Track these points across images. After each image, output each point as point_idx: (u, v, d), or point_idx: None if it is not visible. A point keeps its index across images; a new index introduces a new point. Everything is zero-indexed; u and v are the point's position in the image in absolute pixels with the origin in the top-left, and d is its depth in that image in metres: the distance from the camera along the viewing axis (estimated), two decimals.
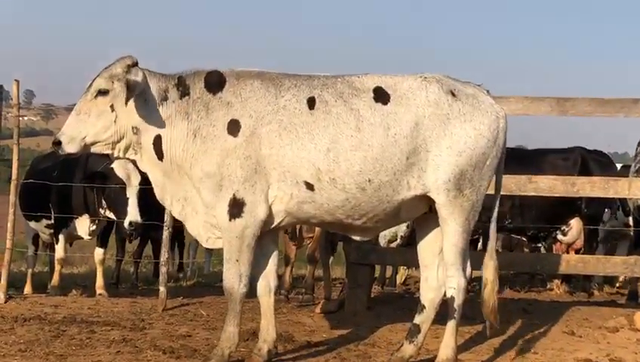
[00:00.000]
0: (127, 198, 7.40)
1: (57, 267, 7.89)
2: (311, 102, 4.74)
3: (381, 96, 4.78)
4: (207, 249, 13.10)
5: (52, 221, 7.80)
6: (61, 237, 7.79)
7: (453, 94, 4.85)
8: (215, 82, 4.83)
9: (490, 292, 5.05)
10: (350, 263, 6.95)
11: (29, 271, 8.64)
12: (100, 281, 7.77)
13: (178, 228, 7.88)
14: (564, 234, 8.88)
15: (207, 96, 4.79)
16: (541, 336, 6.04)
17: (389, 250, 7.61)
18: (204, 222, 4.88)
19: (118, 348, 5.19)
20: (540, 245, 9.18)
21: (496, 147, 4.91)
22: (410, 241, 9.35)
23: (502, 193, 6.81)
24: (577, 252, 8.70)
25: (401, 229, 9.26)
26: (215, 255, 13.91)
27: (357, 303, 6.79)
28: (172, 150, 4.79)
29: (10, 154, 7.68)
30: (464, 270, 4.93)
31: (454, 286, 4.89)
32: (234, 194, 4.69)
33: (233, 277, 4.79)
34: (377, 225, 5.01)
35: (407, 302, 7.14)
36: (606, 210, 9.08)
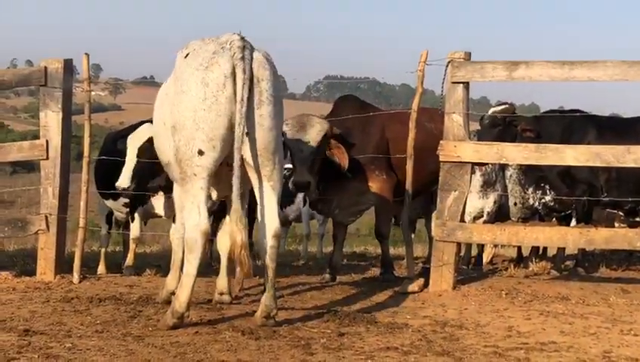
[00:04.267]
0: None
1: (132, 246, 8.04)
2: None
3: None
4: (281, 226, 13.22)
5: (129, 199, 7.92)
6: (137, 215, 7.92)
7: None
8: None
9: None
10: (435, 241, 6.91)
11: (103, 250, 8.84)
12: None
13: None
14: None
15: None
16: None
17: (475, 227, 7.53)
18: None
19: (196, 328, 5.27)
20: (638, 219, 8.96)
21: None
22: (497, 218, 9.30)
23: (598, 164, 6.75)
24: None
25: (488, 205, 9.20)
26: (290, 235, 14.06)
27: (442, 283, 6.75)
28: None
29: (79, 130, 7.83)
30: None
31: None
32: None
33: None
34: None
35: (494, 282, 7.08)
36: None
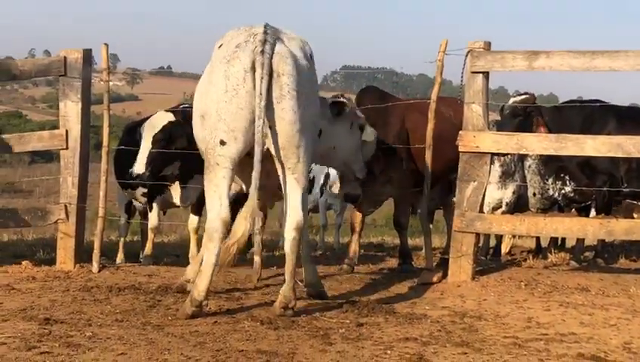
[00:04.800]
0: None
1: (150, 236, 8.07)
2: None
3: None
4: None
5: (146, 189, 7.95)
6: (155, 205, 7.95)
7: None
8: None
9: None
10: (453, 231, 6.91)
11: (122, 239, 8.88)
12: (193, 250, 7.94)
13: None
14: None
15: None
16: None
17: (494, 218, 7.52)
18: None
19: (215, 318, 5.29)
20: None
21: None
22: (516, 208, 9.27)
23: (619, 155, 6.71)
24: None
25: (507, 196, 9.17)
26: (307, 225, 14.06)
27: (461, 273, 6.75)
28: None
29: (98, 120, 7.87)
30: None
31: None
32: None
33: None
34: None
35: (513, 273, 7.06)
36: None
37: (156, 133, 7.47)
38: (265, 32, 5.30)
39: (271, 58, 5.23)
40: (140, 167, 7.40)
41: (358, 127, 6.87)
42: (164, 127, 7.49)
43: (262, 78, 5.16)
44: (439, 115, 7.25)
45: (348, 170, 7.08)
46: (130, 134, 8.23)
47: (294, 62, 5.34)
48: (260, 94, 5.14)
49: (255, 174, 5.18)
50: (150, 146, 7.43)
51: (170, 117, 7.63)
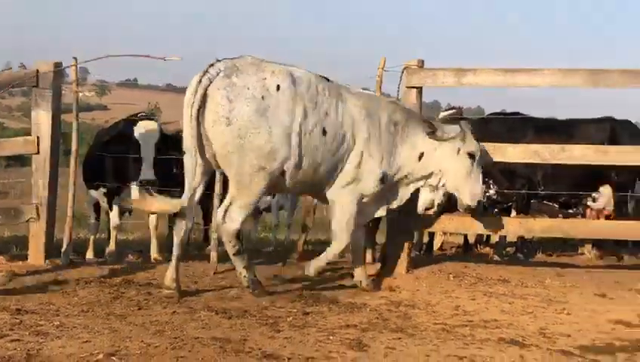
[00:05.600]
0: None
1: (113, 233, 7.96)
2: None
3: None
4: (253, 217, 13.18)
5: (106, 189, 7.84)
6: (115, 205, 7.84)
7: None
8: None
9: None
10: (391, 229, 6.92)
11: (92, 237, 8.72)
12: (154, 247, 7.84)
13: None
14: (595, 201, 8.76)
15: None
16: (574, 298, 5.98)
17: (426, 217, 7.55)
18: None
19: (174, 308, 5.23)
20: (571, 211, 9.05)
21: None
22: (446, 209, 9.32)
23: (536, 161, 6.79)
24: (607, 218, 8.58)
25: (438, 198, 9.20)
26: (260, 222, 13.99)
27: (397, 267, 6.77)
28: None
29: (68, 128, 7.73)
30: None
31: None
32: None
33: None
34: None
35: (443, 266, 7.10)
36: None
37: (157, 141, 7.41)
38: (210, 65, 5.50)
39: (206, 88, 5.44)
40: (149, 173, 7.34)
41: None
42: (162, 135, 7.42)
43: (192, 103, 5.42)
44: None
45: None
46: (98, 139, 8.15)
47: (227, 92, 5.45)
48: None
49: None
50: (154, 153, 7.38)
51: (156, 125, 7.57)
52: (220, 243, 6.36)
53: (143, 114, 7.78)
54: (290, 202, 11.80)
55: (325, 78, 5.85)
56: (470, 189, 6.23)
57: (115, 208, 7.85)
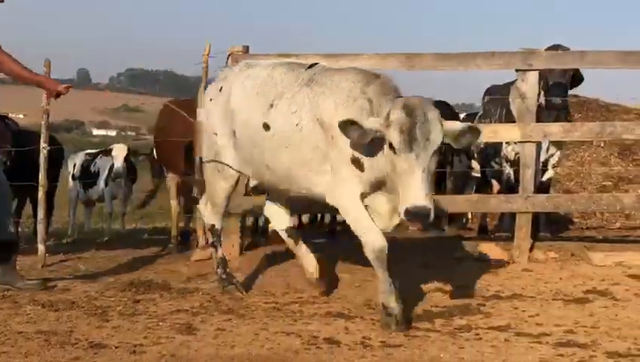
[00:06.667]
0: None
1: None
2: None
3: None
4: (86, 207, 12.82)
5: None
6: None
7: None
8: None
9: None
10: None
11: None
12: None
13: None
14: None
15: None
16: (397, 270, 6.19)
17: (256, 199, 7.62)
18: None
19: None
20: None
21: None
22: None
23: None
24: None
25: None
26: (95, 214, 13.60)
27: (231, 250, 6.79)
28: None
29: None
30: None
31: None
32: None
33: None
34: None
35: (276, 247, 7.17)
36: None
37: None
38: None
39: None
40: None
41: None
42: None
43: None
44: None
45: None
46: None
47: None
48: None
49: None
50: None
51: None
52: (49, 237, 6.16)
53: None
54: (122, 191, 11.60)
55: None
56: None
57: None
